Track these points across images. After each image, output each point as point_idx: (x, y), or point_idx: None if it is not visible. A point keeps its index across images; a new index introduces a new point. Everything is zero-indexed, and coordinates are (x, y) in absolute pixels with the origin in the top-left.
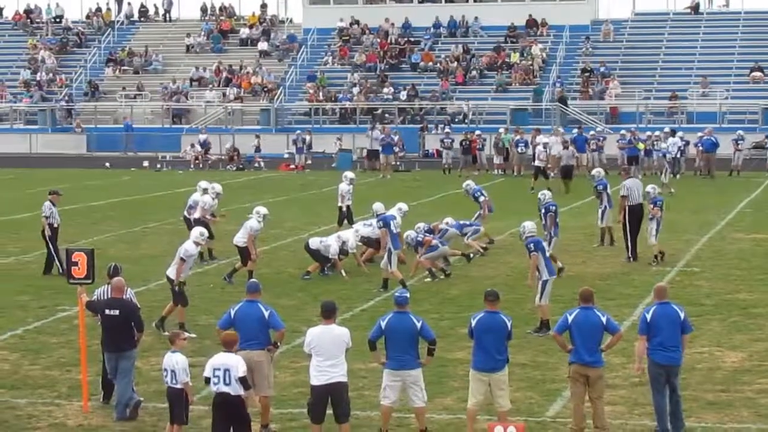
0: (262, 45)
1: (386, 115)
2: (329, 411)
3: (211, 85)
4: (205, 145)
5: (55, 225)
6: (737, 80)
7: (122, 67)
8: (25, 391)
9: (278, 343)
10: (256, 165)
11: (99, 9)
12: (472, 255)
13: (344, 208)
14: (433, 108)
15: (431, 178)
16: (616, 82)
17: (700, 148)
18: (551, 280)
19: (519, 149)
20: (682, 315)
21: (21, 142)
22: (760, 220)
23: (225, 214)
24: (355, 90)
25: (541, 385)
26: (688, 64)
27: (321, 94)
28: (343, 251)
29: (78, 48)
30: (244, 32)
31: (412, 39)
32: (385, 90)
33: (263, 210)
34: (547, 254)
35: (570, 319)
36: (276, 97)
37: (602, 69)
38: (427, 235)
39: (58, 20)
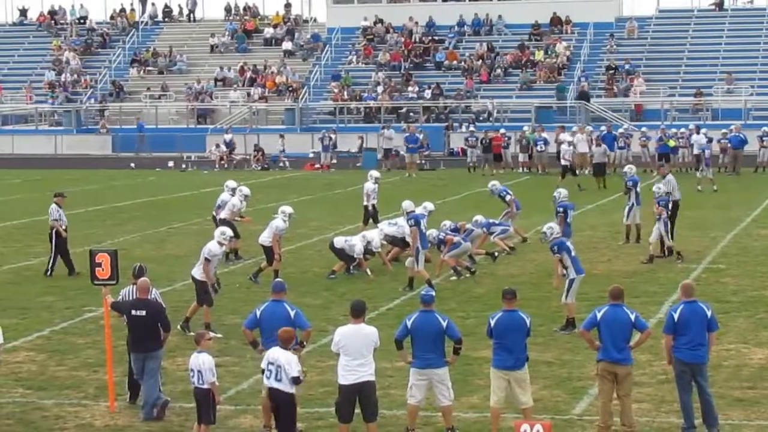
0: (287, 44)
1: (411, 114)
2: (357, 410)
3: (235, 85)
4: (230, 145)
5: (63, 227)
6: (762, 76)
7: (147, 68)
8: (51, 392)
9: (304, 343)
10: (281, 164)
11: (123, 9)
12: (497, 253)
13: (370, 207)
14: (458, 106)
15: (456, 176)
16: (640, 80)
17: (728, 144)
18: (578, 278)
19: (539, 147)
20: (708, 313)
21: (46, 144)
22: None
23: (249, 219)
24: (380, 89)
25: (567, 383)
26: (712, 61)
27: (345, 93)
28: (368, 250)
29: (102, 49)
30: (269, 32)
31: (436, 37)
32: (410, 89)
33: (289, 209)
34: (574, 254)
35: (599, 316)
36: (300, 96)
37: (627, 66)
38: (451, 233)
39: (82, 21)
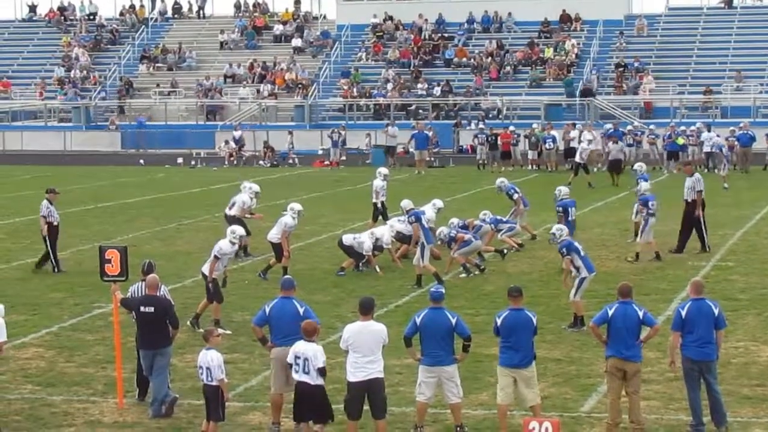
0: (296, 41)
1: (420, 111)
2: (365, 407)
3: (245, 82)
4: (239, 142)
5: (55, 223)
6: None
7: (156, 64)
8: (60, 388)
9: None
10: (290, 161)
11: (132, 6)
12: (506, 251)
13: (379, 204)
14: (467, 104)
15: (465, 173)
16: (650, 77)
17: (736, 142)
18: (590, 277)
19: (547, 145)
20: (716, 311)
21: (55, 140)
22: None
23: (260, 216)
24: (389, 86)
25: (575, 380)
26: (722, 59)
27: (355, 90)
28: (377, 247)
29: (112, 45)
30: (278, 29)
31: (445, 35)
32: (419, 86)
33: (298, 206)
34: (584, 253)
35: (610, 313)
36: (310, 93)
37: (636, 64)
38: (461, 230)
39: (91, 17)
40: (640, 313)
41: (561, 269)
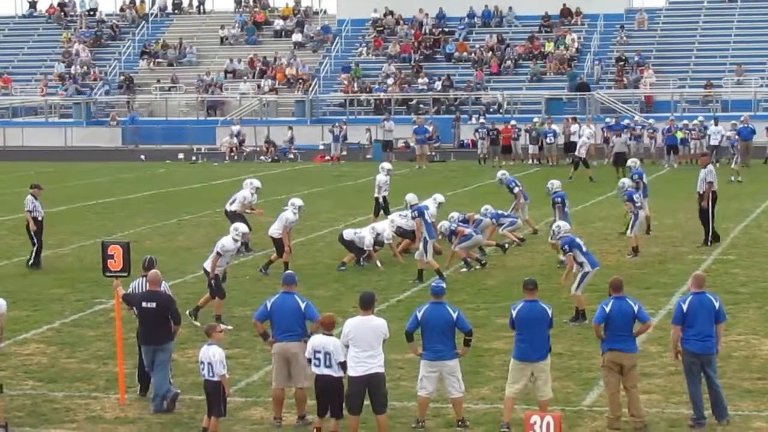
0: (297, 36)
1: (421, 106)
2: (366, 402)
3: (245, 77)
4: (239, 137)
5: (39, 218)
6: None
7: (156, 60)
8: (62, 384)
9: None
10: (291, 156)
11: (133, 1)
12: (507, 245)
13: (381, 199)
14: (468, 98)
15: (466, 168)
16: (650, 71)
17: (737, 136)
18: (593, 272)
19: (548, 139)
20: (717, 304)
21: (56, 136)
22: None
23: (261, 211)
24: (390, 81)
25: (577, 374)
26: (722, 52)
27: (356, 85)
28: (378, 242)
29: (112, 41)
30: (278, 24)
31: (446, 29)
32: (420, 80)
33: (299, 202)
34: (585, 249)
35: (607, 309)
36: (310, 88)
37: (637, 58)
38: (461, 225)
39: (92, 13)
40: (635, 308)
41: (559, 261)
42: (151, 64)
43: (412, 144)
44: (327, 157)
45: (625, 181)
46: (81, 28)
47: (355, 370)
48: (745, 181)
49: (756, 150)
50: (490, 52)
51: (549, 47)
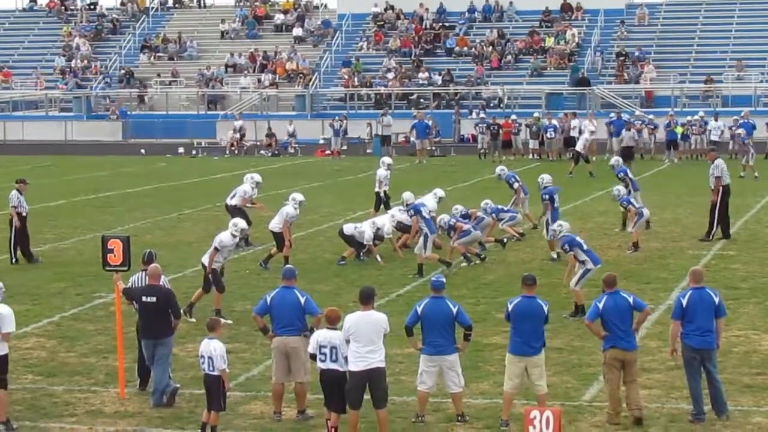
0: (297, 31)
1: (421, 101)
2: (366, 396)
3: (246, 72)
4: (240, 131)
5: (24, 214)
6: None
7: (157, 54)
8: (61, 378)
9: (314, 329)
10: (292, 151)
11: None
12: (506, 240)
13: (381, 194)
14: (468, 93)
15: (467, 163)
16: (651, 66)
17: (737, 131)
18: (595, 269)
19: (548, 134)
20: (716, 299)
21: (56, 130)
22: None
23: (262, 206)
24: (390, 75)
25: (577, 369)
26: (723, 48)
27: (356, 79)
28: (378, 236)
29: (112, 35)
30: (279, 18)
31: (446, 24)
32: (420, 75)
33: (300, 197)
34: (587, 247)
35: (600, 306)
36: (311, 82)
37: (637, 53)
38: (462, 220)
39: (92, 7)
40: (630, 300)
41: (550, 258)
42: (152, 58)
43: (412, 139)
44: (327, 152)
45: (620, 189)
46: (81, 22)
47: (356, 365)
48: (744, 176)
49: (756, 146)
50: (491, 47)
51: (549, 42)
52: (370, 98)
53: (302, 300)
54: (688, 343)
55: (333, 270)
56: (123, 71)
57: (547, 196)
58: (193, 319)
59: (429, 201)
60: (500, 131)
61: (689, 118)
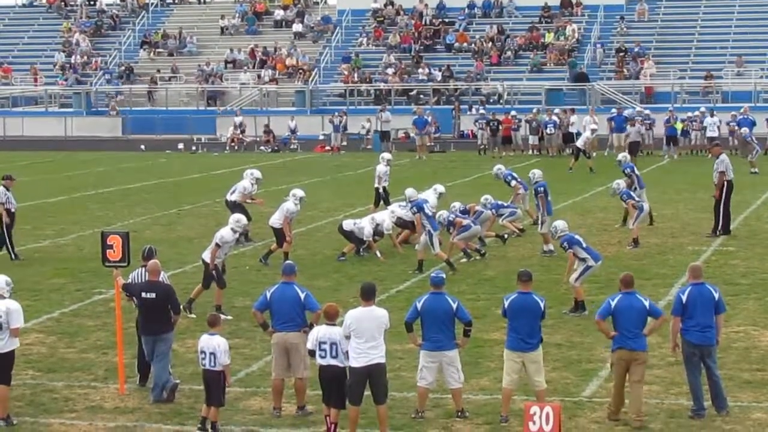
0: (297, 26)
1: (421, 96)
2: (366, 392)
3: (245, 67)
4: (240, 127)
5: (12, 210)
6: None
7: (157, 50)
8: (61, 374)
9: (314, 325)
10: (292, 147)
11: None
12: (506, 236)
13: (381, 190)
14: (468, 89)
15: (467, 158)
16: (650, 62)
17: (736, 127)
18: (596, 266)
19: (548, 130)
20: (716, 295)
21: (56, 126)
22: None
23: (262, 201)
24: (390, 71)
25: (576, 365)
26: (722, 44)
27: (356, 75)
28: (378, 232)
29: (112, 31)
30: (279, 14)
31: (446, 20)
32: (420, 71)
33: (300, 193)
34: (586, 244)
35: (613, 305)
36: (311, 78)
37: (637, 49)
38: (461, 215)
39: (92, 3)
40: (646, 304)
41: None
42: (152, 54)
43: (412, 135)
44: (327, 148)
45: (620, 182)
46: (81, 17)
47: (356, 361)
48: (744, 172)
49: (756, 141)
50: (491, 43)
51: (549, 38)
52: (370, 94)
53: (302, 296)
54: (688, 339)
55: (333, 266)
56: (122, 67)
57: (541, 189)
58: (193, 315)
59: (429, 197)
60: (500, 127)
61: (689, 114)
